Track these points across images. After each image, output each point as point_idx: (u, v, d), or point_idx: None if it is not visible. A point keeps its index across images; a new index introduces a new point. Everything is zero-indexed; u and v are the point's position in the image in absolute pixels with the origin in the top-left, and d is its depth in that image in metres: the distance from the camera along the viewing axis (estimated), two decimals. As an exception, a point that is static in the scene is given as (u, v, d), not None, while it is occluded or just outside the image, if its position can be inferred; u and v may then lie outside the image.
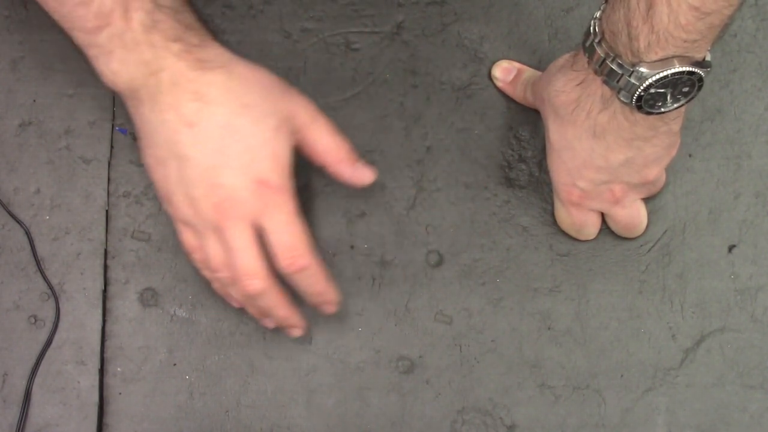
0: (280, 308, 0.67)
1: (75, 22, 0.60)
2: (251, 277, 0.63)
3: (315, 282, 0.66)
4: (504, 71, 0.76)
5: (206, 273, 0.68)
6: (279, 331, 0.72)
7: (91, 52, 0.61)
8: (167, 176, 0.63)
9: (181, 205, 0.64)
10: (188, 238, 0.66)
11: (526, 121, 0.76)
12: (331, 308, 0.69)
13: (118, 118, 0.75)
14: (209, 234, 0.64)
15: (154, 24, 0.60)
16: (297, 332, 0.70)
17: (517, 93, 0.75)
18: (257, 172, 0.62)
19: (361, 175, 0.68)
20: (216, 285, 0.69)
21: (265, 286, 0.64)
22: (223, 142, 0.62)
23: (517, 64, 0.76)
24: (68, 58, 0.75)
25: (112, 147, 0.74)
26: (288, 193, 0.63)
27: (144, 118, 0.63)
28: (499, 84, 0.76)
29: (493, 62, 0.76)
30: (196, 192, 0.62)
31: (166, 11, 0.60)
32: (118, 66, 0.61)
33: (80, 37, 0.61)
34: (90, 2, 0.59)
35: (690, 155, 0.76)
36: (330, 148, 0.66)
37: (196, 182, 0.62)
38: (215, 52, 0.63)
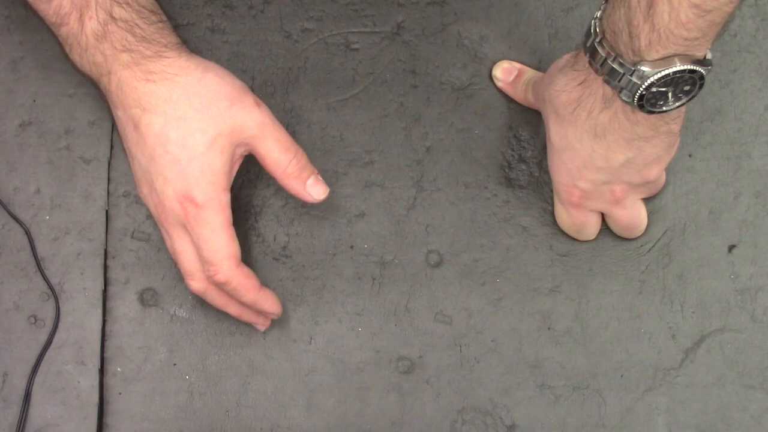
0: (233, 304, 0.68)
1: (40, 14, 0.64)
2: (191, 278, 0.65)
3: (240, 295, 0.66)
4: (505, 72, 0.75)
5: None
6: (281, 329, 0.71)
7: (58, 38, 0.65)
8: (132, 161, 0.67)
9: (145, 198, 0.67)
10: (167, 241, 0.69)
11: (526, 121, 0.75)
12: (270, 309, 0.68)
13: (118, 118, 0.73)
14: (173, 233, 0.65)
15: (104, 34, 0.62)
16: (259, 327, 0.70)
17: (517, 93, 0.75)
18: (183, 187, 0.63)
19: (312, 192, 0.67)
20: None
21: (201, 287, 0.66)
22: (156, 151, 0.63)
23: (517, 65, 0.75)
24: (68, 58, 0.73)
25: (112, 147, 0.74)
26: (213, 208, 0.63)
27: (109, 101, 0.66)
28: (500, 84, 0.76)
29: (493, 62, 0.76)
30: (142, 189, 0.66)
31: (121, 24, 0.62)
32: (77, 59, 0.64)
33: (51, 25, 0.64)
34: (49, 1, 0.62)
35: (690, 155, 0.75)
36: (277, 162, 0.65)
37: (141, 180, 0.66)
38: (167, 62, 0.63)
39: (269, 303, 0.68)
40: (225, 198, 0.64)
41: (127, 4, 0.62)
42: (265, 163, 0.66)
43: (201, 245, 0.63)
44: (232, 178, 0.65)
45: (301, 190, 0.66)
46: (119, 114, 0.65)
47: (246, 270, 0.66)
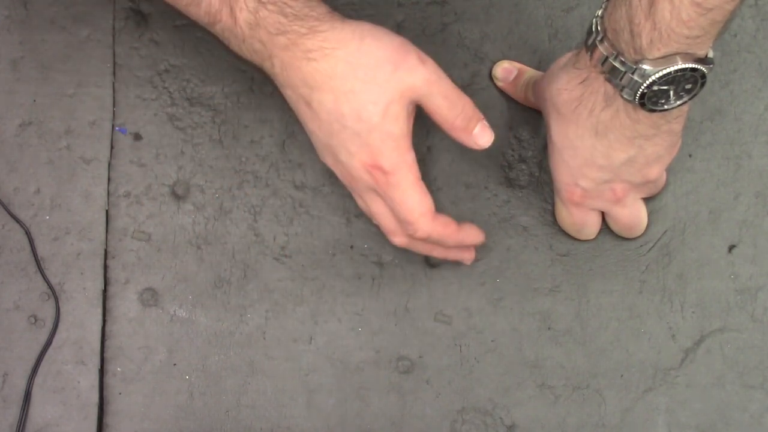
0: (448, 239, 0.67)
1: (191, 17, 0.64)
2: (393, 235, 0.66)
3: (443, 243, 0.67)
4: (505, 71, 0.75)
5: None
6: (281, 329, 0.69)
7: (214, 35, 0.65)
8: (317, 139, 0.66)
9: (336, 170, 0.67)
10: (359, 204, 0.69)
11: (526, 121, 0.75)
12: (475, 240, 0.69)
13: (118, 118, 0.74)
14: (367, 197, 0.66)
15: (257, 21, 0.61)
16: (466, 261, 0.71)
17: (518, 93, 0.74)
18: (367, 157, 0.63)
19: (479, 140, 0.65)
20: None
21: (404, 241, 0.66)
22: (333, 126, 0.63)
23: (517, 65, 0.75)
24: (68, 58, 0.74)
25: (112, 147, 0.73)
26: (402, 171, 0.63)
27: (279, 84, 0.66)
28: (500, 84, 0.75)
29: (494, 62, 0.76)
30: (328, 160, 0.66)
31: (271, 7, 0.61)
32: (237, 49, 0.64)
33: (201, 25, 0.64)
34: (199, 3, 0.62)
35: (690, 155, 0.75)
36: (446, 117, 0.64)
37: (324, 153, 0.66)
38: (323, 37, 0.61)
39: (472, 237, 0.68)
40: (410, 157, 0.63)
41: None
42: (434, 117, 0.64)
43: (396, 207, 0.64)
44: (411, 132, 0.64)
45: (467, 140, 0.65)
46: (288, 93, 0.64)
47: (443, 218, 0.65)
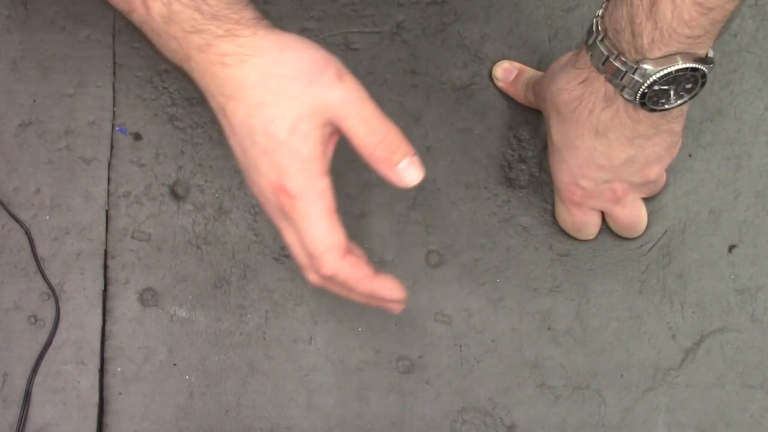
0: (360, 285, 0.60)
1: (111, 3, 0.58)
2: (305, 271, 0.60)
3: (352, 287, 0.59)
4: (505, 71, 0.75)
5: None
6: (281, 329, 0.69)
7: (137, 29, 0.59)
8: None
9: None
10: None
11: (526, 121, 0.75)
12: (393, 307, 0.62)
13: (118, 118, 0.74)
14: (280, 225, 0.60)
15: (171, 15, 0.55)
16: (394, 308, 0.62)
17: (518, 93, 0.74)
18: (274, 177, 0.56)
19: (404, 176, 0.57)
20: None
21: (317, 280, 0.59)
22: (245, 141, 0.57)
23: (517, 65, 0.75)
24: (68, 58, 0.74)
25: (112, 147, 0.73)
26: (309, 197, 0.56)
27: None
28: (500, 84, 0.75)
29: (494, 62, 0.75)
30: (246, 180, 0.60)
31: (186, 2, 0.55)
32: (156, 47, 0.58)
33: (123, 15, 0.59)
34: None
35: (690, 155, 0.75)
36: (364, 144, 0.57)
37: (242, 172, 0.60)
38: (241, 42, 0.56)
39: (387, 290, 0.60)
40: (321, 184, 0.56)
41: None
42: (352, 143, 0.57)
43: (302, 238, 0.57)
44: (329, 161, 0.58)
45: (391, 176, 0.57)
46: (209, 103, 0.58)
47: (355, 259, 0.58)
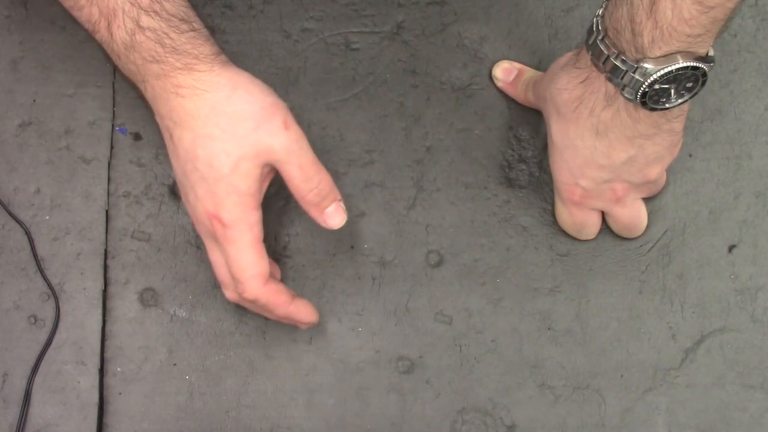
0: (268, 312, 0.65)
1: (77, 20, 0.61)
2: (225, 288, 0.64)
3: (270, 310, 0.64)
4: (505, 72, 0.74)
5: None
6: (281, 329, 0.70)
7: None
8: None
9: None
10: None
11: (526, 121, 0.74)
12: (305, 319, 0.66)
13: (118, 118, 0.73)
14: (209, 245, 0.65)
15: (133, 44, 0.59)
16: (303, 326, 0.68)
17: (518, 93, 0.74)
18: (211, 205, 0.61)
19: (329, 220, 0.64)
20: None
21: (234, 297, 0.64)
22: (187, 166, 0.61)
23: (517, 65, 0.74)
24: (68, 58, 0.73)
25: (112, 147, 0.73)
26: (240, 227, 0.61)
27: None
28: (500, 84, 0.75)
29: (494, 62, 0.75)
30: (182, 196, 0.64)
31: (149, 34, 0.58)
32: (114, 62, 0.62)
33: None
34: (81, 9, 0.59)
35: (690, 155, 0.74)
36: (298, 188, 0.62)
37: (179, 187, 0.64)
38: (197, 77, 0.60)
39: (302, 314, 0.65)
40: (253, 217, 0.61)
41: (155, 12, 0.58)
42: (288, 185, 0.63)
43: (229, 263, 0.62)
44: (262, 195, 0.62)
45: (318, 218, 0.64)
46: (157, 121, 0.63)
47: (275, 286, 0.63)
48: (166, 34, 0.58)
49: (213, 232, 0.61)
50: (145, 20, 0.58)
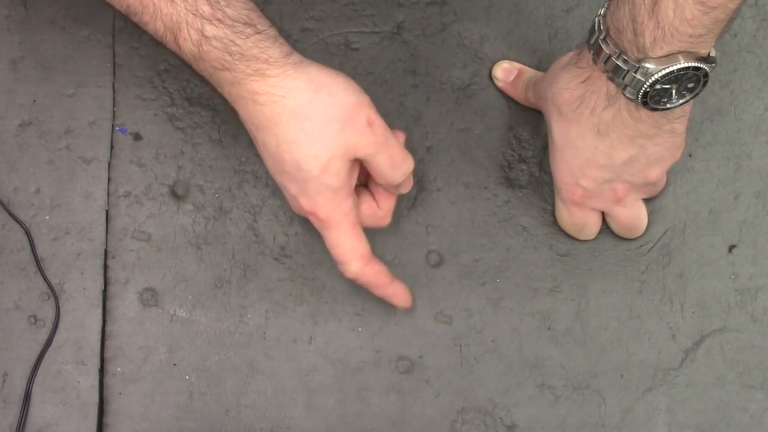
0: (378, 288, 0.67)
1: (143, 27, 0.60)
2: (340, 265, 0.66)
3: (371, 290, 0.67)
4: (505, 72, 0.74)
5: None
6: (281, 329, 0.69)
7: None
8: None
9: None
10: None
11: (526, 121, 0.74)
12: (400, 304, 0.68)
13: (118, 118, 0.73)
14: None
15: (200, 55, 0.58)
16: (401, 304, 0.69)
17: (518, 93, 0.73)
18: (305, 203, 0.62)
19: (402, 189, 0.67)
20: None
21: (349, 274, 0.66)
22: (275, 168, 0.62)
23: (517, 65, 0.74)
24: (68, 58, 0.73)
25: (112, 147, 0.72)
26: (336, 218, 0.63)
27: None
28: (500, 84, 0.74)
29: (494, 62, 0.74)
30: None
31: (215, 43, 0.57)
32: (192, 68, 0.61)
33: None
34: (146, 24, 0.58)
35: (690, 155, 0.74)
36: (386, 176, 0.64)
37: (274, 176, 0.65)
38: (271, 83, 0.59)
39: (398, 299, 0.68)
40: (347, 205, 0.63)
41: (219, 20, 0.56)
42: (374, 175, 0.64)
43: (330, 248, 0.64)
44: (354, 182, 0.64)
45: (393, 194, 0.67)
46: (241, 118, 0.63)
47: (376, 267, 0.65)
48: (232, 41, 0.57)
49: (312, 222, 0.64)
50: (210, 29, 0.56)
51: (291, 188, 0.62)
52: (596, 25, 0.59)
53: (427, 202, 0.72)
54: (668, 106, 0.58)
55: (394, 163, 0.63)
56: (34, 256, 0.70)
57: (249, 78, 0.58)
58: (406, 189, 0.67)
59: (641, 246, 0.72)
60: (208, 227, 0.71)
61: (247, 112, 0.60)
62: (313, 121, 0.59)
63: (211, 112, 0.72)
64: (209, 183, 0.71)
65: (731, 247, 0.72)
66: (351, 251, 0.64)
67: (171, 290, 0.70)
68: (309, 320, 0.70)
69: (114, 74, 0.72)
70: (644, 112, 0.59)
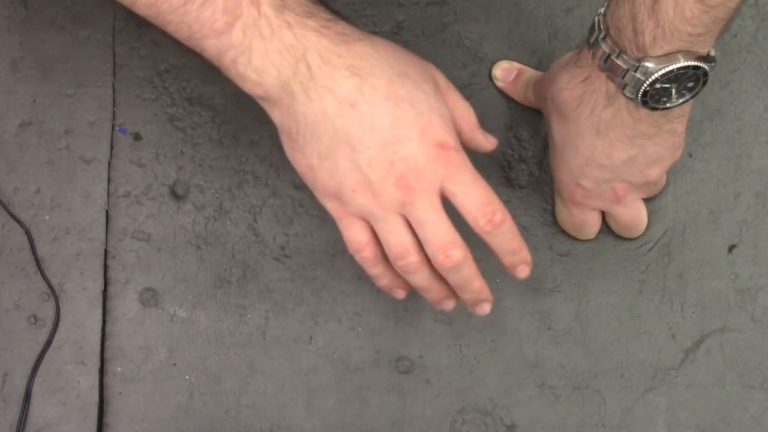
0: (476, 279, 0.60)
1: (204, 27, 0.53)
2: (451, 247, 0.57)
3: (512, 237, 0.58)
4: (504, 71, 0.73)
5: (376, 269, 0.60)
6: (281, 329, 0.68)
7: (229, 57, 0.54)
8: (336, 168, 0.56)
9: (356, 195, 0.56)
10: (357, 233, 0.58)
11: (526, 121, 0.73)
12: (525, 269, 0.61)
13: (118, 118, 0.72)
14: (391, 218, 0.56)
15: (284, 4, 0.53)
16: (487, 307, 0.62)
17: (518, 93, 0.73)
18: (434, 137, 0.55)
19: (490, 141, 0.62)
20: (384, 281, 0.61)
21: (465, 253, 0.57)
22: (392, 114, 0.55)
23: (517, 65, 0.74)
24: (68, 58, 0.73)
25: (112, 147, 0.72)
26: (463, 151, 0.57)
27: (299, 115, 0.56)
28: (500, 84, 0.74)
29: (493, 62, 0.74)
30: (373, 174, 0.55)
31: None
32: (260, 61, 0.54)
33: (213, 45, 0.54)
34: (214, 1, 0.53)
35: (690, 155, 0.73)
36: (463, 114, 0.59)
37: (373, 163, 0.55)
38: (347, 24, 0.56)
39: (526, 253, 0.60)
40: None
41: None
42: (453, 114, 0.59)
43: (470, 190, 0.56)
44: None
45: (483, 141, 0.62)
46: (327, 104, 0.55)
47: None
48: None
49: (443, 168, 0.56)
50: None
51: (416, 129, 0.55)
52: (596, 24, 0.58)
53: (427, 202, 0.72)
54: (668, 105, 0.58)
55: (460, 94, 0.61)
56: (34, 256, 0.69)
57: (331, 22, 0.55)
58: (490, 141, 0.63)
59: (641, 246, 0.72)
60: (208, 227, 0.71)
61: (345, 62, 0.55)
62: (404, 53, 0.58)
63: (211, 112, 0.72)
64: (209, 183, 0.71)
65: (731, 247, 0.72)
66: (485, 198, 0.57)
67: (171, 290, 0.70)
68: (309, 320, 0.70)
69: (114, 74, 0.72)
70: (644, 112, 0.59)
